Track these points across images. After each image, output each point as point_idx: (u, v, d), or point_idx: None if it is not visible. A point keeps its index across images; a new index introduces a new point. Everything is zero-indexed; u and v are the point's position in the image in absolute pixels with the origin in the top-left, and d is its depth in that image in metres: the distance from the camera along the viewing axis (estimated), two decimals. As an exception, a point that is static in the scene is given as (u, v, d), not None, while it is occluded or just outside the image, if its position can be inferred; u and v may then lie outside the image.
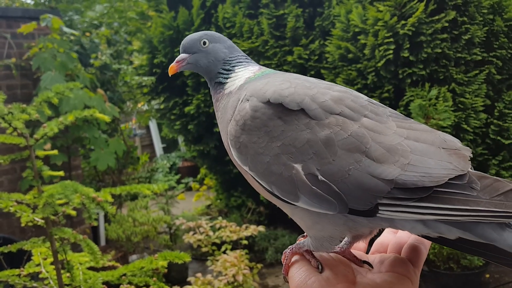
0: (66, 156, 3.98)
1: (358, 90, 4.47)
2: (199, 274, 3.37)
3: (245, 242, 3.80)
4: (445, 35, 4.10)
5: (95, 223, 1.93)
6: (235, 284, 3.25)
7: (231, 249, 3.68)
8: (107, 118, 2.07)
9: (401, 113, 4.07)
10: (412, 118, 4.04)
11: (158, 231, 4.24)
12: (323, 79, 4.71)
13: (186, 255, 1.92)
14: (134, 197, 5.31)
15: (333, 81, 4.66)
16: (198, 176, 7.87)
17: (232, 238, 3.72)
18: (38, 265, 2.29)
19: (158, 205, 4.67)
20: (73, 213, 2.09)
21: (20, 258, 3.06)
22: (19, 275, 2.22)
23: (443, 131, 3.40)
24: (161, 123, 9.05)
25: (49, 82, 3.50)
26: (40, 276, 2.24)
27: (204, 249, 3.76)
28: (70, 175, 4.13)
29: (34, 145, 1.97)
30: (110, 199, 1.99)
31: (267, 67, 4.93)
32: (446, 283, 3.77)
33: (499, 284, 3.76)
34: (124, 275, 1.99)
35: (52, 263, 2.20)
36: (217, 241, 3.77)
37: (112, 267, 2.42)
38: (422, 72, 4.14)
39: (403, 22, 4.08)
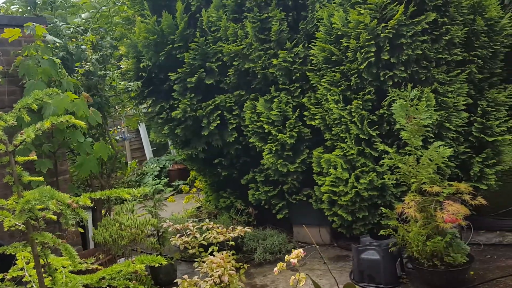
0: (52, 162, 4.00)
1: (342, 91, 4.55)
2: (186, 276, 3.41)
3: (231, 243, 3.83)
4: (425, 37, 4.17)
5: (71, 228, 1.97)
6: (222, 284, 3.29)
7: (218, 251, 3.71)
8: (82, 124, 2.11)
9: (384, 112, 4.19)
10: (394, 118, 4.10)
11: (146, 234, 4.27)
12: (309, 81, 4.79)
13: (162, 258, 1.97)
14: (123, 201, 5.35)
15: (318, 82, 4.72)
16: (188, 179, 7.92)
17: (218, 240, 3.75)
18: (22, 269, 2.33)
19: (146, 209, 4.71)
20: (53, 218, 2.14)
21: (10, 263, 3.08)
22: (2, 280, 2.26)
23: (424, 130, 3.49)
24: (150, 127, 9.11)
25: (32, 89, 3.53)
26: (24, 280, 2.28)
27: (191, 251, 3.80)
28: (57, 180, 4.15)
29: (14, 150, 2.01)
30: (89, 203, 2.03)
31: (253, 70, 4.98)
32: (431, 280, 3.82)
33: (483, 281, 3.81)
34: (103, 278, 2.03)
35: (34, 267, 2.23)
36: (204, 243, 3.80)
37: (96, 271, 2.46)
38: (404, 74, 4.21)
39: (383, 24, 4.15)
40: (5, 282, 2.23)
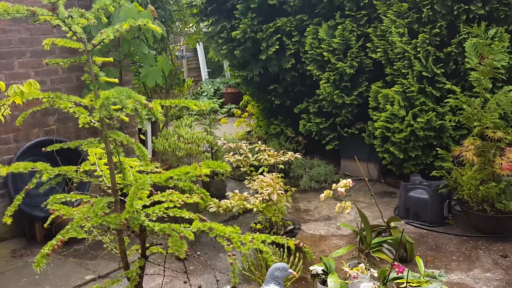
0: (118, 71, 4.15)
1: (409, 23, 4.33)
2: (236, 191, 3.58)
3: (281, 166, 3.94)
4: (513, -30, 3.84)
5: (145, 128, 2.08)
6: (270, 202, 3.44)
7: (268, 172, 3.83)
8: (158, 29, 2.15)
9: (453, 51, 3.96)
10: (462, 58, 3.89)
11: (201, 150, 4.45)
12: (376, 10, 4.57)
13: (227, 165, 2.06)
14: (179, 117, 5.54)
15: (384, 13, 4.51)
16: (241, 103, 8.02)
17: (269, 162, 3.86)
18: (93, 164, 2.50)
19: (201, 126, 4.86)
20: (126, 119, 2.26)
21: (76, 163, 3.32)
22: (76, 171, 2.44)
23: (496, 72, 3.31)
24: (207, 47, 9.12)
25: (105, -5, 3.58)
26: (95, 174, 2.46)
27: (242, 169, 3.94)
28: (122, 89, 4.33)
29: (92, 50, 2.09)
30: (159, 108, 2.11)
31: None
32: (477, 224, 3.82)
33: (531, 231, 3.77)
34: (171, 178, 2.16)
35: (105, 164, 2.40)
36: (255, 163, 3.93)
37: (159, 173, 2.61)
38: (481, 11, 3.93)
39: (468, -49, 3.83)
40: (79, 174, 2.41)
